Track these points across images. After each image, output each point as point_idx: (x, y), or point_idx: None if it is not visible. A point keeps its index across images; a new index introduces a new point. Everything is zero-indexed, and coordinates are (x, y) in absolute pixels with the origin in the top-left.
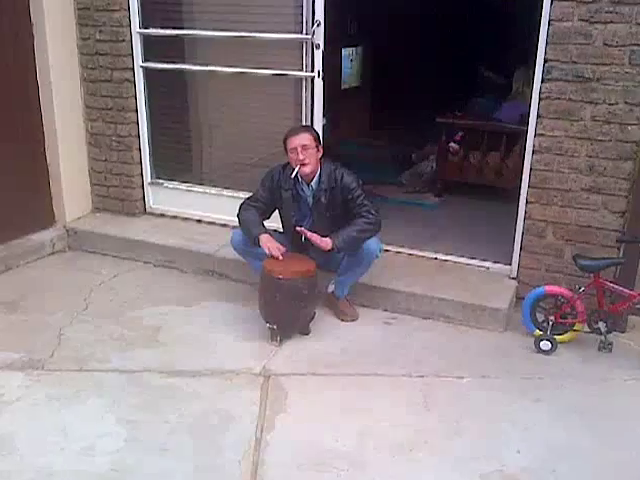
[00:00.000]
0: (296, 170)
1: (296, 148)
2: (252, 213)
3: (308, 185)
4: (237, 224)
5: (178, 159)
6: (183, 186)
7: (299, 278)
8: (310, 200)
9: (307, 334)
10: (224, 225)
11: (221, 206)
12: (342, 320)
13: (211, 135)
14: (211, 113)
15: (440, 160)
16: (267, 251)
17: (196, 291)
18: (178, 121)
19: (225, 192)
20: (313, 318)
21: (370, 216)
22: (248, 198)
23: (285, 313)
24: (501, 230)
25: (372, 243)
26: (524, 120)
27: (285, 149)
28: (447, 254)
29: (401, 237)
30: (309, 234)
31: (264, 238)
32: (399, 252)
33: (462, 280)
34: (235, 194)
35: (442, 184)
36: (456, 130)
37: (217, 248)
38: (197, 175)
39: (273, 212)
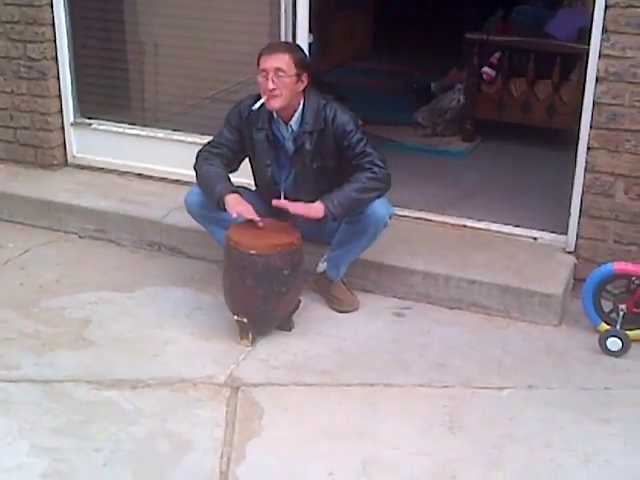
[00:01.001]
0: (260, 102)
1: (266, 71)
2: (215, 164)
3: (286, 125)
4: (194, 179)
5: (112, 91)
6: (119, 128)
7: (277, 254)
8: (290, 146)
9: (289, 330)
10: (176, 181)
11: (171, 155)
12: (337, 310)
13: (157, 58)
14: (157, 28)
15: (470, 91)
16: (234, 216)
17: (137, 272)
18: (111, 39)
19: (176, 136)
20: (297, 308)
21: (375, 169)
22: (209, 143)
23: (259, 301)
24: (554, 187)
25: (379, 206)
26: (584, 36)
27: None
28: (480, 220)
29: (417, 197)
30: (291, 206)
31: (231, 199)
32: (415, 218)
33: (501, 256)
34: (190, 138)
35: (473, 124)
36: (492, 50)
37: (166, 213)
38: (138, 113)
39: (242, 161)
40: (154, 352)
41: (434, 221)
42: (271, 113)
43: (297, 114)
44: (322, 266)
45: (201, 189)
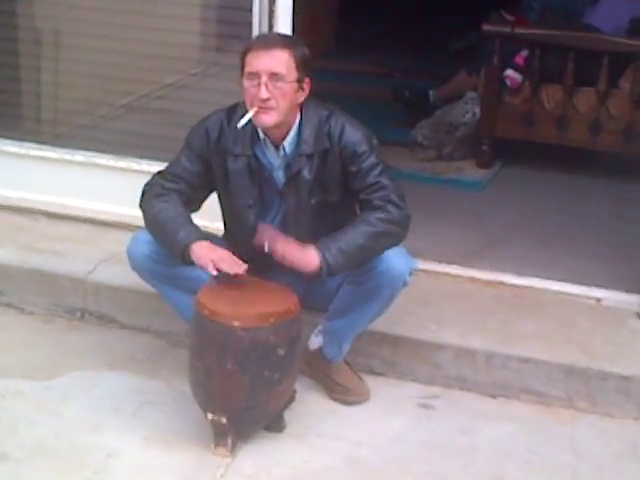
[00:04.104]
0: (248, 115)
1: (258, 74)
2: (171, 201)
3: (277, 148)
4: (129, 219)
5: (6, 97)
6: (20, 148)
7: (270, 327)
8: (279, 177)
9: (281, 431)
10: (103, 222)
11: (97, 185)
12: (341, 402)
13: (72, 49)
14: (68, 6)
15: (489, 101)
16: (209, 269)
17: (55, 350)
18: (4, 25)
19: (105, 160)
20: (292, 401)
21: (389, 207)
22: (160, 173)
23: (244, 394)
24: (610, 228)
25: (396, 259)
26: (638, 28)
27: (242, 70)
28: (521, 275)
29: (432, 244)
30: (281, 244)
31: (201, 247)
32: (435, 272)
33: (556, 323)
34: (130, 164)
35: (491, 145)
36: (517, 47)
37: (91, 267)
38: (46, 127)
39: (206, 199)
40: (95, 468)
41: (461, 276)
42: (256, 133)
43: (292, 132)
44: (316, 341)
45: (154, 236)
